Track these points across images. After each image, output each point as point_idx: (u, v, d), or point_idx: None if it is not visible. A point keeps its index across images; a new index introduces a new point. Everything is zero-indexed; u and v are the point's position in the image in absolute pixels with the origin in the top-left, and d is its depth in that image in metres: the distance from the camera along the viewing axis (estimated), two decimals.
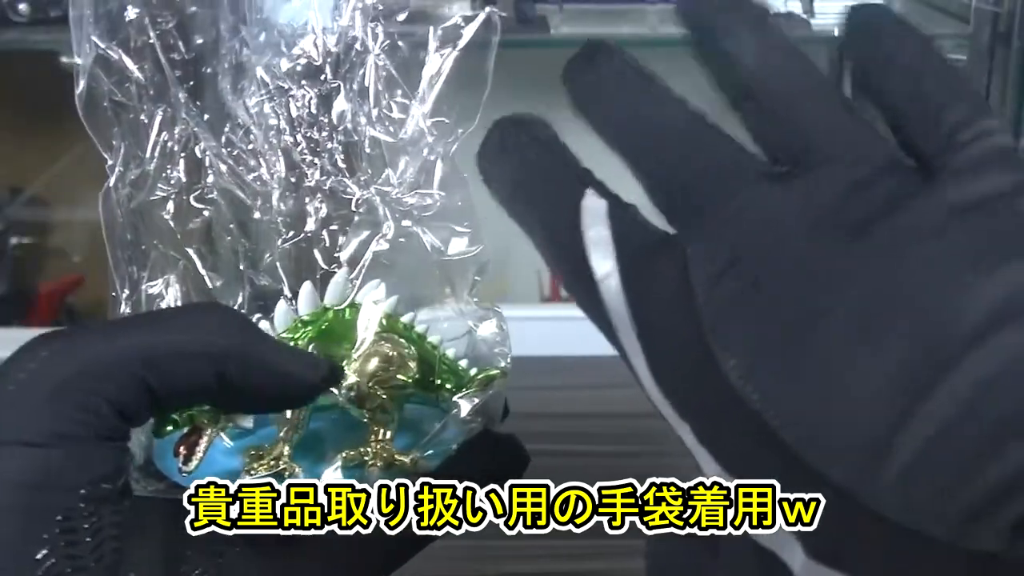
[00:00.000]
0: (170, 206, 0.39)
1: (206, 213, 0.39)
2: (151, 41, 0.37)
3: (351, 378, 0.37)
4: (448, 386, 0.40)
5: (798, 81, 0.28)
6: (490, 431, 0.37)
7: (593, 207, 0.28)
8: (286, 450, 0.38)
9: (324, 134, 0.38)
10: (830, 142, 0.27)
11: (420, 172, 0.38)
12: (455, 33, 0.37)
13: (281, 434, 0.38)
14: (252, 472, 0.37)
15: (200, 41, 0.38)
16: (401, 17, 0.37)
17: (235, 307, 0.39)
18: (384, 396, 0.38)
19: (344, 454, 0.37)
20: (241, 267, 0.39)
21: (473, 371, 0.40)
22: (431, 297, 0.40)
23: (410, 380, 0.38)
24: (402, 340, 0.39)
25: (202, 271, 0.39)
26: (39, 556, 0.27)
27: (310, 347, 0.37)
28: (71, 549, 0.28)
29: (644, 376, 0.27)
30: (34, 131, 1.86)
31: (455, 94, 0.38)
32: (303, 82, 0.38)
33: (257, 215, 0.39)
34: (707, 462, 0.26)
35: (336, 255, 0.39)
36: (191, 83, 0.38)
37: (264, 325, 0.37)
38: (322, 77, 0.38)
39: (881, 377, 0.23)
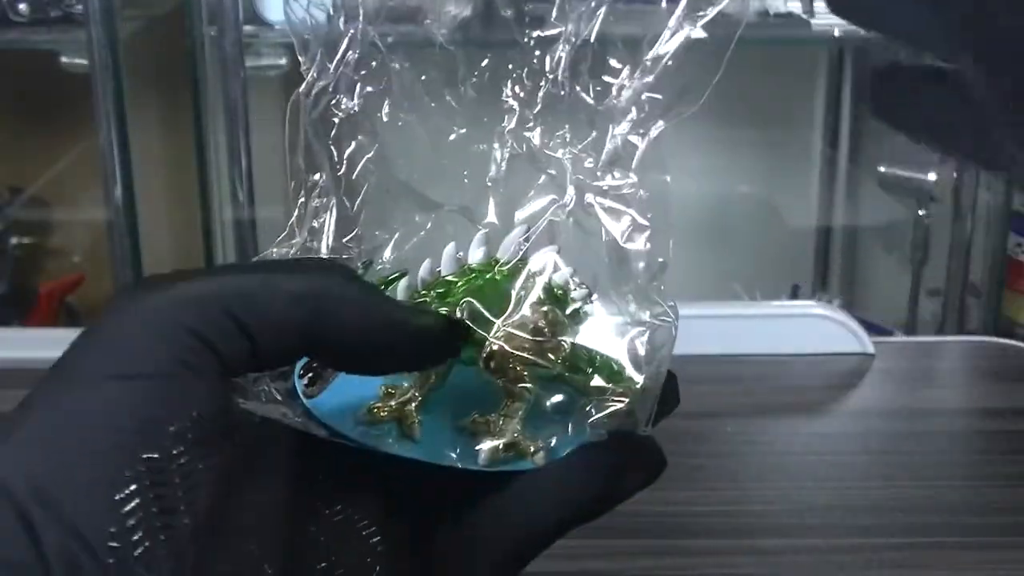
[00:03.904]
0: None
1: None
2: None
3: (494, 344, 0.34)
4: (599, 377, 0.35)
5: None
6: (629, 434, 0.34)
7: None
8: (416, 396, 0.35)
9: (530, 81, 0.35)
10: None
11: (621, 148, 0.35)
12: (699, 9, 0.34)
13: (417, 378, 0.35)
14: (376, 411, 0.34)
15: None
16: None
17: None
18: (525, 373, 0.34)
19: (473, 418, 0.34)
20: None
21: (628, 370, 0.36)
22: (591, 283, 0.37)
23: (559, 361, 0.34)
24: (563, 316, 0.35)
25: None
26: (119, 496, 0.25)
27: (465, 297, 0.34)
28: (159, 490, 0.26)
29: None
30: (34, 131, 1.83)
31: (677, 73, 0.35)
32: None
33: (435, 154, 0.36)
34: None
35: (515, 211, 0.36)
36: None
37: (427, 266, 0.35)
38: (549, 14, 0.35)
39: None
